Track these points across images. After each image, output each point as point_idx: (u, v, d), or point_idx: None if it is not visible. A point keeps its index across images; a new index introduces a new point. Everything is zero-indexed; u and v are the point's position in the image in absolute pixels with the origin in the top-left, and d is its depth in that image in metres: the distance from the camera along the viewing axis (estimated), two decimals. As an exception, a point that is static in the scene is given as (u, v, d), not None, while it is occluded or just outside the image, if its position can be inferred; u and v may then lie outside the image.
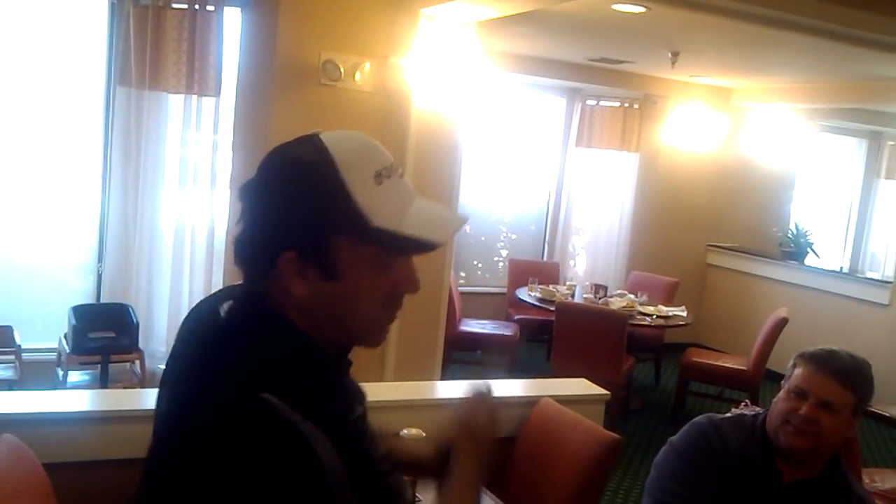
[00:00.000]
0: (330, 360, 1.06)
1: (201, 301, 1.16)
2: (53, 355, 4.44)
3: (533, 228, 7.84)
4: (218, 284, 4.39)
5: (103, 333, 4.22)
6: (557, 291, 6.17)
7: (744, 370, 5.56)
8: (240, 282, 1.07)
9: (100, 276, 4.69)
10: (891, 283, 6.65)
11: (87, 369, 4.37)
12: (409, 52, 4.05)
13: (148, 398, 2.44)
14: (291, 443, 0.92)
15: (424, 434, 2.55)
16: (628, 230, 7.57)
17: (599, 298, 6.00)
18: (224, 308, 1.05)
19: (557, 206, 7.67)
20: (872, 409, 5.76)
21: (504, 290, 6.99)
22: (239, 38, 4.42)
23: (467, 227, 7.37)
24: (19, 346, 4.25)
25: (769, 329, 5.51)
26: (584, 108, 7.50)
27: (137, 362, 4.35)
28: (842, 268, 8.37)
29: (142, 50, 4.32)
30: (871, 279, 7.19)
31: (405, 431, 2.54)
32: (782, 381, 1.99)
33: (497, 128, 7.38)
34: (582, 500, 2.58)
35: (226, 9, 4.39)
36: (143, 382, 4.28)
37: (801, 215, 8.42)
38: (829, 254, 8.57)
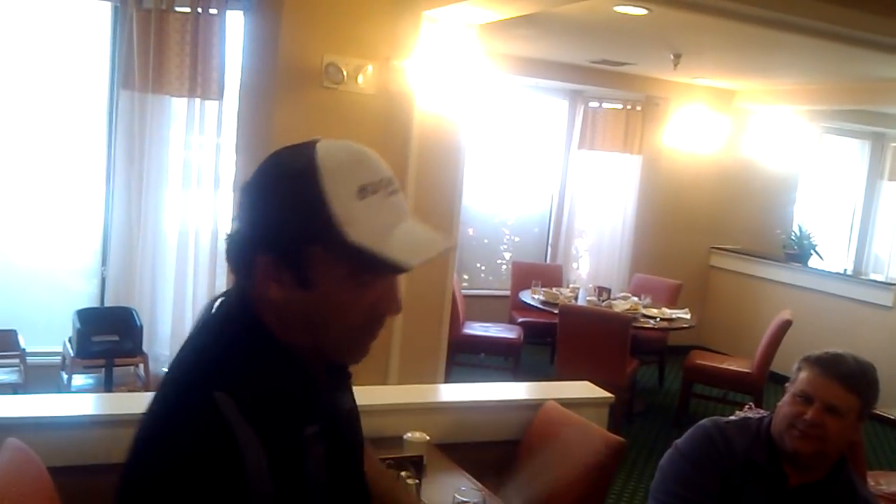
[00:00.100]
0: (299, 369, 1.04)
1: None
2: (58, 359, 4.44)
3: (536, 231, 7.84)
4: (221, 287, 4.37)
5: (107, 337, 4.23)
6: (561, 294, 6.17)
7: (748, 373, 5.55)
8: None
9: (104, 280, 4.70)
10: (894, 284, 6.64)
11: (92, 373, 4.37)
12: (412, 55, 4.05)
13: (152, 402, 2.43)
14: (220, 447, 0.93)
15: (428, 437, 2.55)
16: (631, 232, 7.57)
17: (603, 301, 6.00)
18: (215, 306, 1.08)
19: (560, 209, 7.67)
20: (877, 412, 5.75)
21: (507, 292, 6.99)
22: (242, 42, 4.43)
23: (470, 230, 7.38)
24: (24, 349, 4.26)
25: (773, 331, 5.50)
26: (587, 111, 7.50)
27: (141, 366, 4.36)
28: (845, 270, 8.34)
29: (145, 53, 4.33)
30: (874, 281, 7.18)
31: (408, 435, 2.55)
32: (787, 385, 1.99)
33: (499, 130, 7.38)
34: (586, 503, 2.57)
35: (228, 12, 4.40)
36: (147, 386, 4.28)
37: (805, 217, 8.41)
38: (832, 256, 8.56)
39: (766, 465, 1.94)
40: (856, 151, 9.41)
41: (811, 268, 7.42)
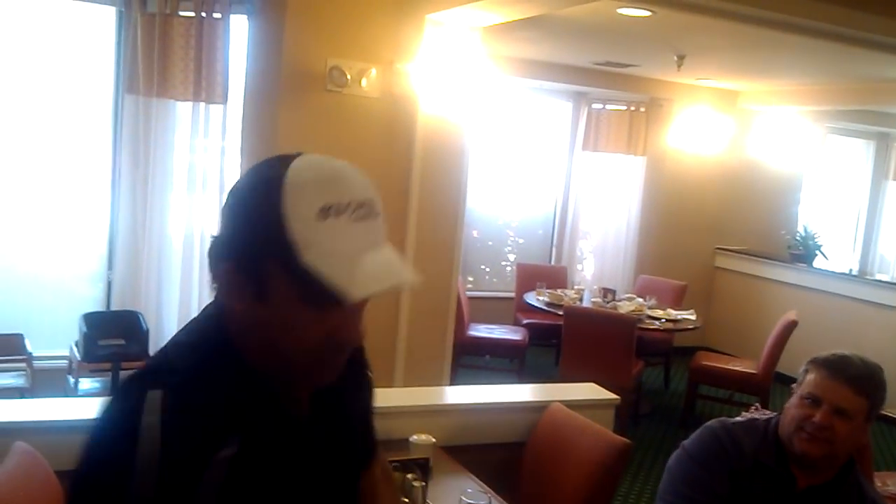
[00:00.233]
0: (252, 381, 1.00)
1: None
2: (64, 363, 4.45)
3: (540, 233, 7.84)
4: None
5: (114, 341, 4.24)
6: (565, 296, 6.16)
7: (754, 373, 5.54)
8: None
9: (109, 284, 4.71)
10: (900, 284, 6.62)
11: (98, 377, 4.38)
12: (415, 58, 4.06)
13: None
14: (116, 444, 0.94)
15: (434, 440, 2.56)
16: (636, 234, 7.57)
17: (608, 302, 5.99)
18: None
19: (565, 210, 7.67)
20: (884, 413, 5.73)
21: (512, 294, 6.99)
22: (246, 46, 4.43)
23: (474, 232, 7.39)
24: (30, 353, 4.27)
25: (779, 332, 5.49)
26: (591, 112, 7.51)
27: (147, 369, 4.36)
28: (851, 270, 8.33)
29: (149, 58, 4.34)
30: (880, 281, 7.17)
31: (415, 437, 2.55)
32: (793, 386, 1.99)
33: (503, 132, 7.39)
34: (592, 505, 2.57)
35: (232, 16, 4.41)
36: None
37: (810, 218, 8.40)
38: (837, 256, 8.54)
39: (774, 467, 1.94)
40: (860, 151, 9.40)
41: (816, 268, 7.41)
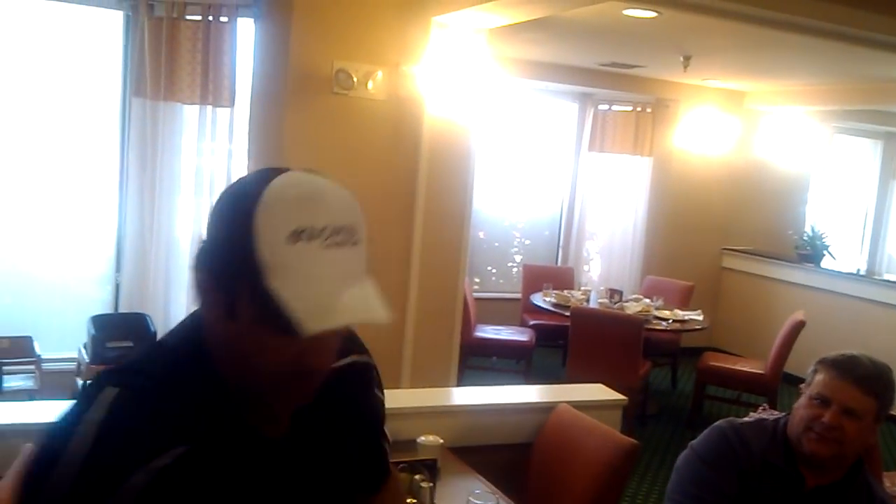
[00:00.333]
0: (218, 391, 0.97)
1: None
2: (73, 365, 4.47)
3: (547, 234, 7.84)
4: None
5: (122, 343, 4.25)
6: (572, 297, 6.16)
7: (761, 374, 5.53)
8: None
9: (117, 287, 4.73)
10: (909, 284, 6.60)
11: (106, 379, 4.39)
12: (421, 60, 4.07)
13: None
14: (53, 437, 0.93)
15: (441, 441, 2.56)
16: (642, 234, 7.56)
17: (615, 303, 5.99)
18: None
19: (571, 211, 7.66)
20: (893, 413, 5.70)
21: (518, 295, 6.99)
22: (252, 49, 4.45)
23: (481, 234, 7.39)
24: (39, 356, 4.29)
25: (786, 332, 5.48)
26: (597, 113, 7.50)
27: (155, 371, 4.37)
28: (858, 270, 8.30)
29: (156, 61, 4.36)
30: (888, 281, 7.14)
31: (422, 438, 2.56)
32: (802, 387, 1.99)
33: (509, 134, 7.39)
34: (600, 506, 2.57)
35: (239, 20, 4.43)
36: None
37: (817, 217, 8.37)
38: (845, 256, 8.52)
39: (783, 467, 1.94)
40: (868, 151, 9.37)
41: (824, 268, 7.39)
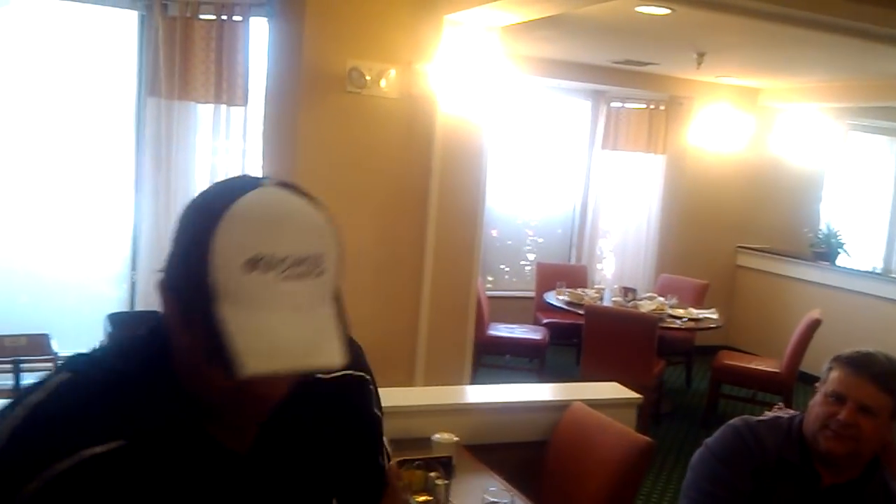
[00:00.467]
0: (170, 396, 0.94)
1: None
2: (89, 363, 4.50)
3: (560, 232, 7.83)
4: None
5: (137, 341, 4.28)
6: (586, 295, 6.15)
7: (777, 372, 5.50)
8: None
9: (133, 285, 4.75)
10: (926, 282, 6.55)
11: (122, 377, 4.42)
12: (434, 59, 4.07)
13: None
14: (8, 413, 0.91)
15: (456, 438, 2.56)
16: (656, 232, 7.53)
17: (629, 301, 5.97)
18: None
19: (584, 209, 7.65)
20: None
21: (532, 294, 6.98)
22: (266, 48, 4.47)
23: (494, 232, 7.38)
24: (57, 353, 4.32)
25: (802, 331, 5.45)
26: (610, 111, 7.48)
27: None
28: (874, 268, 8.24)
29: (171, 61, 4.38)
30: (905, 279, 7.09)
31: (437, 436, 2.56)
32: (817, 384, 1.98)
33: (522, 132, 7.38)
34: (615, 504, 2.57)
35: (252, 19, 4.45)
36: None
37: (832, 215, 8.32)
38: (861, 254, 8.45)
39: (798, 465, 1.93)
40: (884, 148, 9.29)
41: (839, 266, 7.34)
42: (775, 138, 7.80)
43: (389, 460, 1.25)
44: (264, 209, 0.86)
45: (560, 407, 2.92)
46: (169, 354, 0.95)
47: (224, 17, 4.40)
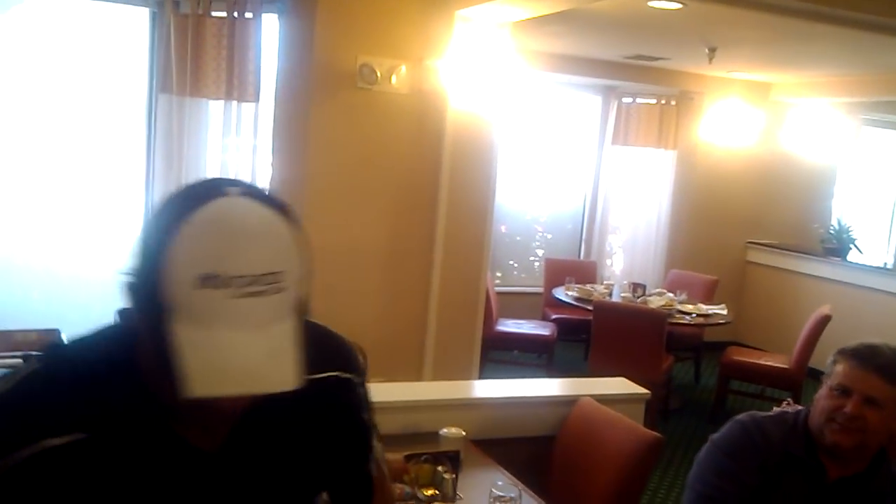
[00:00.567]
0: (128, 391, 0.94)
1: None
2: (101, 357, 4.54)
3: (569, 227, 7.82)
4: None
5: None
6: (595, 291, 6.15)
7: (786, 368, 5.49)
8: None
9: (144, 280, 4.79)
10: (937, 278, 6.51)
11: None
12: (445, 54, 4.07)
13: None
14: None
15: (464, 433, 2.58)
16: (666, 228, 7.52)
17: (638, 297, 5.97)
18: None
19: (594, 205, 7.64)
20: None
21: (540, 289, 6.99)
22: (277, 44, 4.48)
23: (503, 227, 7.39)
24: (68, 348, 4.37)
25: (812, 327, 5.43)
26: (620, 106, 7.47)
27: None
28: (885, 264, 8.20)
29: (182, 58, 4.40)
30: (916, 275, 7.05)
31: (445, 430, 2.58)
32: (823, 378, 1.98)
33: (533, 127, 7.38)
34: (623, 500, 2.58)
35: (264, 16, 4.46)
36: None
37: (844, 211, 8.28)
38: (872, 250, 8.41)
39: (804, 458, 1.94)
40: (896, 143, 9.24)
41: (850, 262, 7.31)
42: (787, 133, 7.77)
43: (379, 466, 1.22)
44: (224, 222, 0.84)
45: (568, 402, 2.93)
46: (137, 351, 0.95)
47: (235, 14, 4.42)
